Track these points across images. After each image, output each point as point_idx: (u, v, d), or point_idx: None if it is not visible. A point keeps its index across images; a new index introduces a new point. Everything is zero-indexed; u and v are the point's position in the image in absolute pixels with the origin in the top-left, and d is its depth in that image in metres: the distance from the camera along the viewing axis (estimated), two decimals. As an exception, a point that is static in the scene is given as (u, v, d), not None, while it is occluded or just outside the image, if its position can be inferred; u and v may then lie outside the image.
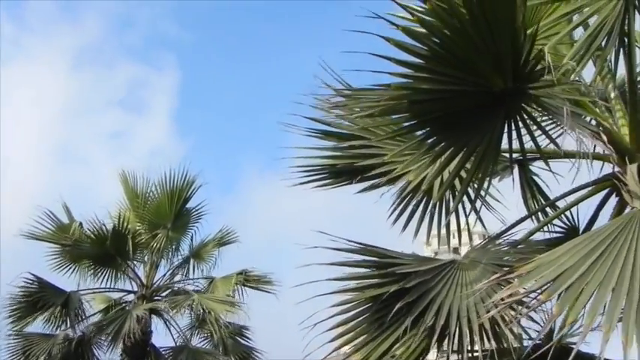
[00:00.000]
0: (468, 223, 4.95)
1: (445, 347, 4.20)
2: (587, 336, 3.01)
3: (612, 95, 4.95)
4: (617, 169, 4.32)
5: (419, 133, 4.04)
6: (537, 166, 5.24)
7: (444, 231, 4.95)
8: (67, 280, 11.26)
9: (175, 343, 11.68)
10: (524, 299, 3.54)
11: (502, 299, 3.42)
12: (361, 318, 4.15)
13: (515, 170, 5.52)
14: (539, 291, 3.16)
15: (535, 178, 5.52)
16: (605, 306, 2.97)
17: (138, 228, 11.83)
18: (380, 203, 4.89)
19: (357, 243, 4.12)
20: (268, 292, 12.02)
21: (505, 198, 5.29)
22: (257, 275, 12.05)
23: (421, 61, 3.50)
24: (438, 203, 4.72)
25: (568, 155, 4.47)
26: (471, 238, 5.09)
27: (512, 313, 3.82)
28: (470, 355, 4.79)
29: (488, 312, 3.89)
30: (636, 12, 4.18)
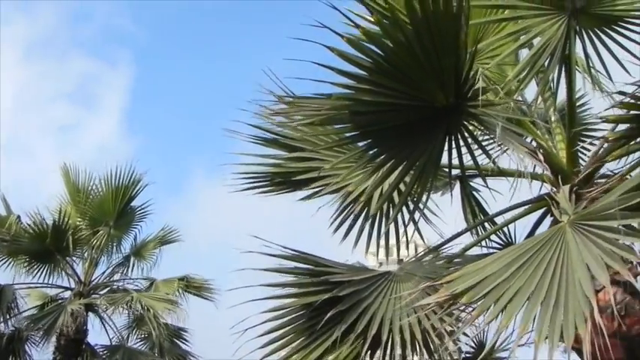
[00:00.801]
0: (407, 235, 4.98)
1: (377, 357, 4.24)
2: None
3: (553, 118, 5.08)
4: (553, 189, 4.44)
5: (360, 144, 4.07)
6: (478, 183, 5.34)
7: (390, 241, 5.00)
8: (1, 273, 10.98)
9: (111, 342, 11.48)
10: (455, 312, 3.62)
11: (428, 305, 3.48)
12: (293, 325, 4.16)
13: (458, 185, 5.63)
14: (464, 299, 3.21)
15: (475, 194, 5.63)
16: (521, 310, 3.06)
17: (79, 224, 11.58)
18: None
19: (292, 250, 4.12)
20: (208, 299, 11.97)
21: (445, 212, 5.39)
22: (199, 282, 11.98)
23: (364, 72, 3.52)
24: (378, 214, 4.75)
25: (506, 173, 4.59)
26: (416, 250, 5.16)
27: (444, 323, 3.88)
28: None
29: (419, 322, 3.96)
30: (578, 38, 4.28)
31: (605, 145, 4.29)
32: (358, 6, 4.00)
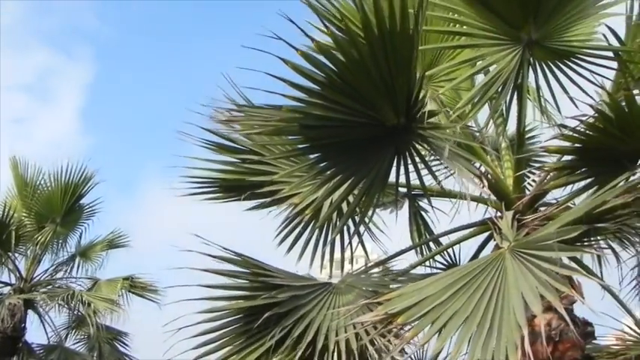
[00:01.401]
0: (351, 249, 5.00)
1: None
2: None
3: (503, 145, 5.17)
4: (498, 213, 4.51)
5: (311, 156, 4.07)
6: (426, 203, 5.39)
7: (338, 255, 4.99)
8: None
9: (49, 342, 11.23)
10: (394, 329, 3.63)
11: (362, 324, 3.48)
12: (229, 328, 4.14)
13: (407, 204, 5.67)
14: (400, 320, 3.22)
15: (424, 214, 5.68)
16: (456, 333, 3.08)
17: (24, 218, 11.32)
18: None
19: (233, 252, 4.10)
20: (152, 300, 11.79)
21: (393, 230, 5.42)
22: (143, 282, 11.79)
23: (316, 87, 3.51)
24: (325, 227, 4.74)
25: (452, 195, 4.64)
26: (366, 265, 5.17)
27: (382, 339, 3.89)
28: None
29: (357, 335, 3.97)
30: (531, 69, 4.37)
31: (551, 174, 4.39)
32: (316, 18, 4.00)
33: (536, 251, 3.23)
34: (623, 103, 3.38)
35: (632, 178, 3.31)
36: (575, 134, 3.56)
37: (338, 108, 3.62)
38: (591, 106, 3.41)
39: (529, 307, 4.05)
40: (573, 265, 4.12)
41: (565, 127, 3.63)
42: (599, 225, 3.23)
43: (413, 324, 3.28)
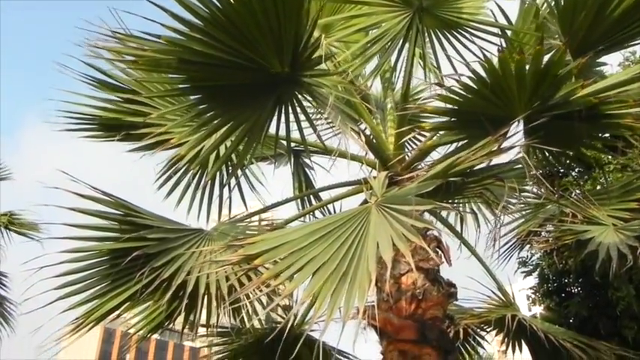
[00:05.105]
0: (230, 199, 4.97)
1: (183, 311, 4.23)
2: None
3: (388, 106, 5.26)
4: (375, 172, 4.60)
5: (190, 97, 3.99)
6: (308, 157, 5.42)
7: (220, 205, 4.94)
8: None
9: None
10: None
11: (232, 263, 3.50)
12: (95, 270, 4.07)
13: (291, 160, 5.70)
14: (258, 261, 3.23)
15: (308, 170, 5.73)
16: (312, 277, 3.12)
17: None
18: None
19: (102, 192, 3.99)
20: (33, 238, 11.27)
21: (275, 185, 5.43)
22: (23, 220, 11.26)
23: (199, 21, 3.41)
24: (198, 174, 4.69)
25: (332, 151, 4.69)
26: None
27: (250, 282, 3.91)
28: (213, 330, 4.89)
29: (227, 280, 3.99)
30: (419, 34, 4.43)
31: (429, 135, 4.51)
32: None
33: (397, 205, 3.30)
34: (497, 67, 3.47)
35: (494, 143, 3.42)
36: (450, 94, 3.63)
37: (220, 47, 3.52)
38: (467, 65, 3.49)
39: (398, 265, 4.23)
40: (433, 219, 4.29)
41: (441, 85, 3.71)
42: (454, 179, 3.32)
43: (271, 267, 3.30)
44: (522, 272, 8.85)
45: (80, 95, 4.71)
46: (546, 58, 3.42)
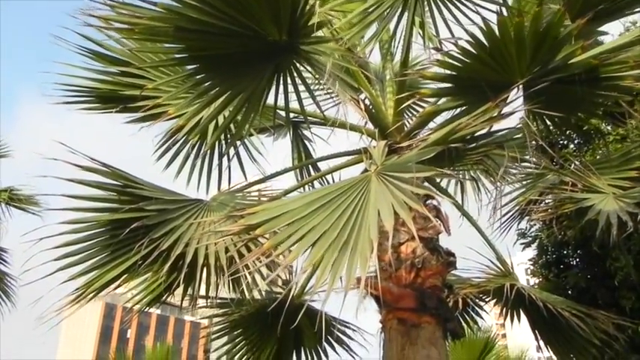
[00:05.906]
0: (229, 170, 4.94)
1: (182, 282, 4.23)
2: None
3: (387, 76, 5.21)
4: (374, 141, 4.57)
5: (187, 67, 3.95)
6: (307, 129, 5.39)
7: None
8: None
9: None
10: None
11: (225, 235, 3.48)
12: (94, 241, 4.05)
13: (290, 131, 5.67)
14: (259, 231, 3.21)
15: (307, 142, 5.70)
16: (312, 247, 3.10)
17: None
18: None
19: (101, 163, 3.97)
20: (34, 213, 11.26)
21: (275, 156, 5.41)
22: (23, 195, 11.24)
23: (194, -12, 3.36)
24: (197, 144, 4.66)
25: (333, 122, 4.66)
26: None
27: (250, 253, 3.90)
28: (213, 301, 4.89)
29: (227, 251, 3.97)
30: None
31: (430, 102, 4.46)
32: None
33: (398, 173, 3.28)
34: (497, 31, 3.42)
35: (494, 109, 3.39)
36: (449, 60, 3.59)
37: (217, 14, 3.47)
38: (465, 30, 3.44)
39: (397, 234, 4.21)
40: (431, 187, 4.27)
41: (439, 50, 3.66)
42: (454, 146, 3.29)
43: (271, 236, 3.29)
44: (521, 244, 8.89)
45: (76, 67, 4.65)
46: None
